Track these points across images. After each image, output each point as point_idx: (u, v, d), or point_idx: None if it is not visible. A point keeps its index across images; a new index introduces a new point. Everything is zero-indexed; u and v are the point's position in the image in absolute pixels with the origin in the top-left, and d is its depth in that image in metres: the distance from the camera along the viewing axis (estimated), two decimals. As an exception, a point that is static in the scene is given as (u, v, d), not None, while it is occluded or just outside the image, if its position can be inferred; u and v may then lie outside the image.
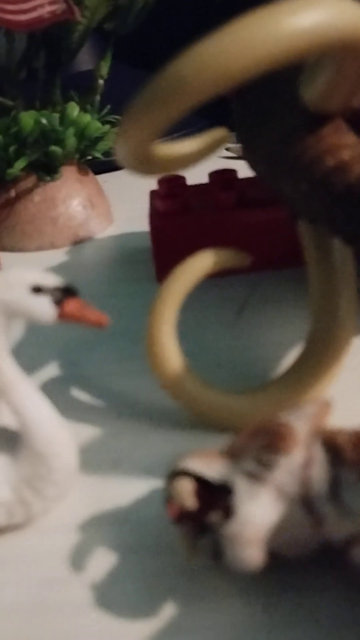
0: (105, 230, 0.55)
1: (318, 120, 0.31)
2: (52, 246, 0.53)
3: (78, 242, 0.54)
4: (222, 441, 0.28)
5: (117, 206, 0.57)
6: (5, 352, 0.27)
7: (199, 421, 0.33)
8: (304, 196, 0.31)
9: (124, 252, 0.52)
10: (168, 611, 0.25)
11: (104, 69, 0.53)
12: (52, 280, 0.27)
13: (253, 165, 0.34)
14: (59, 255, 0.52)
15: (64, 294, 0.27)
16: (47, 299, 0.27)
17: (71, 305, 0.27)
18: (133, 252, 0.52)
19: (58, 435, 0.28)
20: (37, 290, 0.27)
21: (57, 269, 0.51)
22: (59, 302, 0.27)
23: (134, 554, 0.27)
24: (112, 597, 0.26)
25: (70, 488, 0.29)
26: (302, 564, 0.25)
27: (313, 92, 0.30)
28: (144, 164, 0.28)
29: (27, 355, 0.37)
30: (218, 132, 0.33)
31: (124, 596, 0.26)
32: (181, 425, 0.34)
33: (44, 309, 0.27)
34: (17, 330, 0.43)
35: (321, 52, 0.27)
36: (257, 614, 0.25)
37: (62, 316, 0.27)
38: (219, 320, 0.42)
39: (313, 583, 0.25)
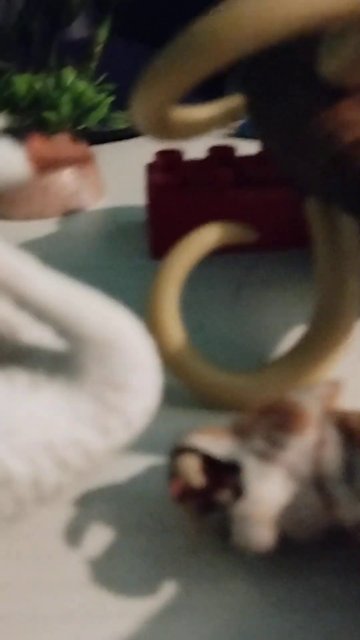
0: (96, 202, 0.54)
1: (336, 94, 0.30)
2: (41, 215, 0.52)
3: (68, 213, 0.52)
4: (222, 420, 0.27)
5: (108, 179, 0.56)
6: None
7: (199, 399, 0.32)
8: (318, 172, 0.30)
9: (115, 225, 0.51)
10: (169, 590, 0.25)
11: (102, 35, 0.52)
12: (3, 120, 0.22)
13: (265, 140, 0.33)
14: (48, 226, 0.51)
15: (23, 133, 0.21)
16: (8, 142, 0.21)
17: (38, 142, 0.21)
18: (124, 226, 0.51)
19: (111, 313, 0.21)
20: None
21: (47, 240, 0.50)
22: (22, 144, 0.21)
23: (132, 531, 0.27)
24: (111, 574, 0.25)
25: (154, 375, 0.22)
26: (310, 546, 0.24)
27: (332, 65, 0.29)
28: (162, 128, 0.27)
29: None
30: (235, 100, 0.32)
31: (122, 574, 0.25)
32: (181, 403, 0.33)
33: (11, 157, 0.21)
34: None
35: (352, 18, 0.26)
36: (261, 595, 0.24)
37: (35, 160, 0.21)
38: (216, 300, 0.41)
39: (320, 565, 0.25)
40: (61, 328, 0.21)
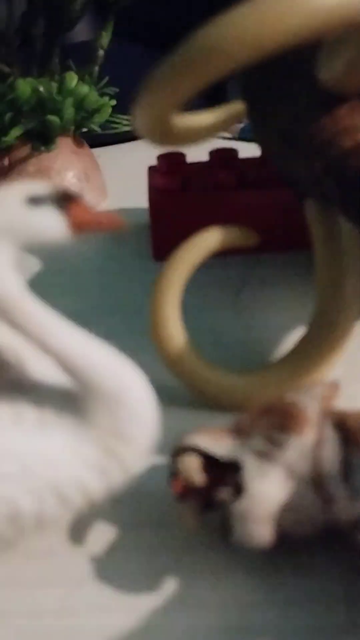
0: (99, 204, 0.54)
1: (334, 100, 0.30)
2: (45, 218, 0.52)
3: (71, 215, 0.53)
4: (222, 420, 0.28)
5: (110, 181, 0.56)
6: (25, 291, 0.23)
7: (199, 400, 0.33)
8: (317, 176, 0.30)
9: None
10: (169, 586, 0.25)
11: (105, 39, 0.52)
12: (46, 187, 0.23)
13: (264, 144, 0.34)
14: (51, 228, 0.51)
15: (66, 200, 0.23)
16: (51, 208, 0.23)
17: (79, 211, 0.23)
18: (127, 228, 0.51)
19: (121, 368, 0.23)
20: (35, 201, 0.22)
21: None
22: (64, 210, 0.23)
23: (133, 529, 0.27)
24: (113, 571, 0.26)
25: (153, 428, 0.24)
26: (307, 543, 0.25)
27: (331, 72, 0.30)
28: (164, 134, 0.27)
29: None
30: (235, 106, 0.33)
31: (124, 570, 0.26)
32: (182, 403, 0.33)
33: (51, 221, 0.23)
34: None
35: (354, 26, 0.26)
36: (260, 590, 0.25)
37: (75, 225, 0.23)
38: (217, 301, 0.41)
39: (318, 563, 0.25)
40: (74, 375, 0.23)
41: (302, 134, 0.31)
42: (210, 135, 0.32)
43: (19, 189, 0.23)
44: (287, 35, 0.23)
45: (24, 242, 0.23)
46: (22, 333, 0.23)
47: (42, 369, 0.24)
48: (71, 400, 0.23)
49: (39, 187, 0.23)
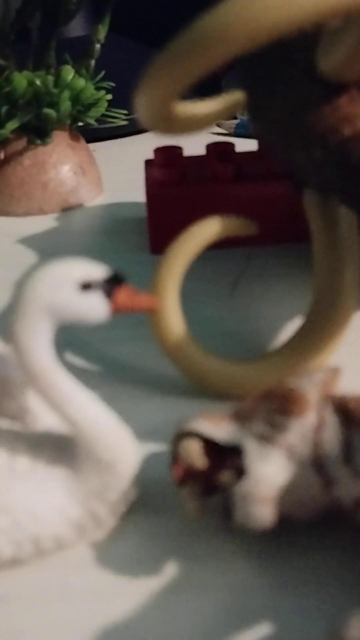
0: (95, 198, 0.54)
1: (334, 89, 0.30)
2: (41, 211, 0.52)
3: (67, 208, 0.53)
4: (221, 408, 0.28)
5: (106, 175, 0.56)
6: (54, 361, 0.24)
7: (196, 388, 0.33)
8: (317, 165, 0.30)
9: (114, 221, 0.51)
10: (170, 570, 0.25)
11: (102, 32, 0.52)
12: (100, 272, 0.24)
13: (262, 134, 0.34)
14: (47, 221, 0.52)
15: (113, 283, 0.24)
16: (99, 294, 0.24)
17: (123, 296, 0.24)
18: (123, 222, 0.51)
19: (121, 441, 0.25)
20: (87, 286, 0.24)
21: (46, 235, 0.50)
22: (109, 295, 0.24)
23: (133, 514, 0.27)
24: (113, 556, 0.26)
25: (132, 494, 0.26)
26: (309, 525, 0.25)
27: (331, 60, 0.30)
28: (166, 122, 0.28)
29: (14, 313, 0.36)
30: (236, 95, 0.33)
31: (124, 555, 0.26)
32: (181, 392, 0.33)
33: (97, 307, 0.24)
34: (11, 297, 0.42)
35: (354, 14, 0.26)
36: (262, 574, 0.25)
37: (117, 309, 0.24)
38: (214, 293, 0.42)
39: (319, 545, 0.25)
40: (78, 435, 0.25)
41: (302, 123, 0.31)
42: (211, 123, 0.32)
43: (75, 270, 0.24)
44: (291, 20, 0.23)
45: (64, 322, 0.24)
46: (46, 399, 0.25)
47: (45, 417, 0.27)
48: (66, 453, 0.25)
49: (94, 270, 0.24)
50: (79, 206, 0.53)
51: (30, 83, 0.51)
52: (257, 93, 0.34)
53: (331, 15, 0.24)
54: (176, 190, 0.45)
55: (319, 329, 0.32)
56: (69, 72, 0.52)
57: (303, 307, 0.38)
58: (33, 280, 0.24)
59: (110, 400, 0.34)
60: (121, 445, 0.25)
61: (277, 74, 0.33)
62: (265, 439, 0.24)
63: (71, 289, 0.24)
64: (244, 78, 0.34)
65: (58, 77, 0.51)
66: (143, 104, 0.27)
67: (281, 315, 0.39)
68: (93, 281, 0.24)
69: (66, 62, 0.53)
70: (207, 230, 0.33)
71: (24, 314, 0.23)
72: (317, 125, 0.30)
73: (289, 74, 0.33)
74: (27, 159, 0.52)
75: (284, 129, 0.32)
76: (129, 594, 0.25)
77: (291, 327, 0.37)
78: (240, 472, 0.24)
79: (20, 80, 0.51)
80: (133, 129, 0.63)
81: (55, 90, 0.51)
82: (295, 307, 0.39)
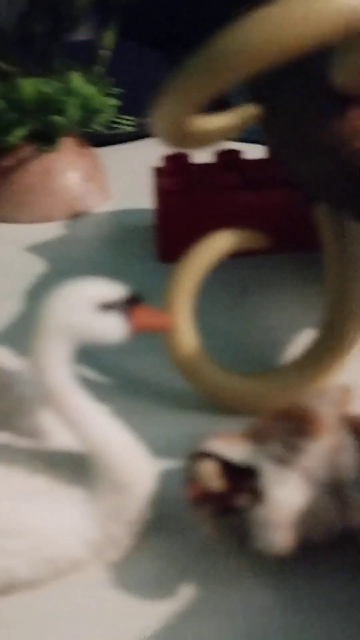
0: (101, 205, 0.54)
1: (345, 102, 0.30)
2: (48, 218, 0.52)
3: (74, 215, 0.53)
4: (234, 423, 0.28)
5: (114, 181, 0.56)
6: (72, 381, 0.24)
7: (209, 402, 0.33)
8: (328, 177, 0.30)
9: (121, 228, 0.51)
10: (186, 592, 0.25)
11: (109, 39, 0.52)
12: (118, 292, 0.24)
13: (274, 147, 0.34)
14: (54, 228, 0.51)
15: (130, 303, 0.24)
16: (116, 315, 0.24)
17: (141, 316, 0.24)
18: (130, 229, 0.51)
19: (138, 462, 0.25)
20: (105, 307, 0.24)
21: (53, 242, 0.50)
22: (127, 315, 0.24)
23: (148, 534, 0.27)
24: (129, 577, 0.26)
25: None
26: (323, 549, 0.25)
27: (343, 74, 0.30)
28: (183, 137, 0.27)
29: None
30: (248, 108, 0.33)
31: (140, 576, 0.26)
32: (191, 405, 0.33)
33: (115, 327, 0.24)
34: (19, 306, 0.42)
35: None
36: (279, 595, 0.25)
37: (133, 330, 0.24)
38: (221, 303, 0.41)
39: (335, 567, 0.25)
40: (97, 457, 0.25)
41: (312, 136, 0.30)
42: (225, 137, 0.32)
43: (93, 291, 0.24)
44: (315, 35, 0.23)
45: (83, 341, 0.24)
46: (63, 418, 0.25)
47: (59, 436, 0.27)
48: (81, 473, 0.25)
49: (113, 291, 0.24)
50: (85, 213, 0.53)
51: (38, 89, 0.50)
52: (267, 106, 0.34)
53: (349, 31, 0.24)
54: (184, 198, 0.45)
55: (331, 343, 0.32)
56: (78, 79, 0.51)
57: (310, 318, 0.38)
58: (51, 300, 0.24)
59: (122, 413, 0.33)
60: (138, 466, 0.25)
61: (287, 87, 0.33)
62: (282, 461, 0.24)
63: (89, 310, 0.24)
64: (257, 92, 0.34)
65: (66, 83, 0.51)
66: (161, 119, 0.27)
67: (288, 325, 0.39)
68: (111, 302, 0.24)
69: (71, 67, 0.53)
70: (219, 243, 0.33)
71: (42, 335, 0.23)
72: (329, 138, 0.30)
73: (300, 87, 0.33)
74: (34, 166, 0.52)
75: (294, 141, 0.32)
76: (145, 615, 0.25)
77: (299, 338, 0.37)
78: (256, 494, 0.24)
79: (27, 86, 0.50)
80: (140, 135, 0.63)
81: (63, 97, 0.50)
82: (302, 318, 0.39)
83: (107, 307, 0.24)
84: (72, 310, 0.24)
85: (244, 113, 0.33)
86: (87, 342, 0.24)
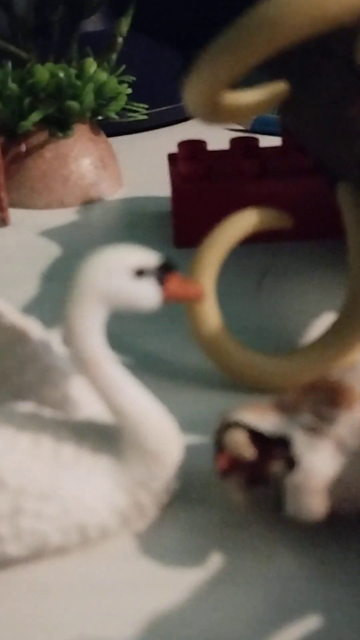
0: (115, 192, 0.54)
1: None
2: (62, 205, 0.52)
3: (88, 202, 0.53)
4: (257, 402, 0.28)
5: (126, 169, 0.56)
6: (106, 349, 0.24)
7: (232, 381, 0.33)
8: (355, 160, 0.30)
9: (134, 215, 0.51)
10: (214, 562, 0.25)
11: (124, 26, 0.52)
12: (153, 259, 0.24)
13: (296, 128, 0.34)
14: (68, 215, 0.51)
15: (164, 270, 0.24)
16: (151, 282, 0.24)
17: (174, 284, 0.24)
18: (144, 216, 0.51)
19: (168, 431, 0.25)
20: (140, 273, 0.24)
21: (67, 228, 0.50)
22: (161, 282, 0.24)
23: (175, 505, 0.27)
24: (156, 546, 0.26)
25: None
26: (353, 520, 0.25)
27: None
28: (214, 111, 0.27)
29: (50, 311, 0.36)
30: (279, 85, 0.33)
31: (168, 546, 0.26)
32: (214, 384, 0.33)
33: (150, 294, 0.24)
34: (36, 289, 0.42)
35: None
36: (308, 566, 0.25)
37: (167, 297, 0.24)
38: (240, 288, 0.41)
39: (365, 538, 0.25)
40: (125, 424, 0.25)
41: (341, 117, 0.31)
42: (257, 113, 0.32)
43: (129, 257, 0.24)
44: (345, 8, 0.23)
45: (117, 308, 0.24)
46: (94, 386, 0.25)
47: (87, 406, 0.27)
48: (110, 442, 0.25)
49: (148, 258, 0.24)
50: (99, 200, 0.53)
51: (53, 75, 0.51)
52: (291, 86, 0.34)
53: None
54: (202, 184, 0.45)
55: (354, 323, 0.32)
56: (91, 65, 0.52)
57: (329, 304, 0.38)
58: (87, 266, 0.24)
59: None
60: (167, 436, 0.25)
61: (313, 67, 0.33)
62: (314, 431, 0.24)
63: (125, 275, 0.24)
64: (281, 72, 0.34)
65: (81, 69, 0.51)
66: (192, 92, 0.27)
67: (307, 311, 0.39)
68: (146, 268, 0.24)
69: (87, 56, 0.53)
70: (243, 222, 0.33)
71: (77, 300, 0.23)
72: (355, 120, 0.30)
73: (327, 67, 0.33)
74: (49, 152, 0.52)
75: (321, 123, 0.32)
76: (173, 585, 0.25)
77: (318, 324, 0.37)
78: (290, 462, 0.24)
79: (43, 72, 0.50)
80: (153, 123, 0.63)
81: (78, 83, 0.50)
82: (321, 304, 0.39)
83: (142, 273, 0.24)
84: (108, 275, 0.23)
85: (273, 89, 0.33)
86: (122, 308, 0.24)
